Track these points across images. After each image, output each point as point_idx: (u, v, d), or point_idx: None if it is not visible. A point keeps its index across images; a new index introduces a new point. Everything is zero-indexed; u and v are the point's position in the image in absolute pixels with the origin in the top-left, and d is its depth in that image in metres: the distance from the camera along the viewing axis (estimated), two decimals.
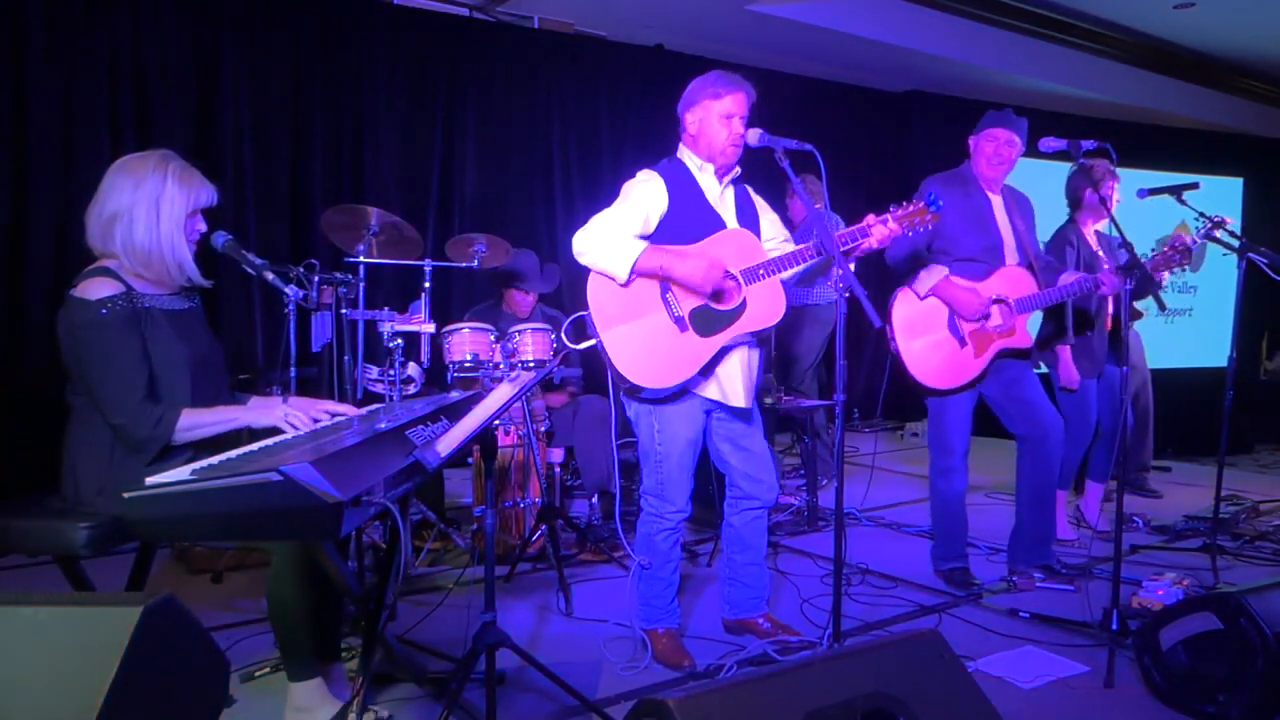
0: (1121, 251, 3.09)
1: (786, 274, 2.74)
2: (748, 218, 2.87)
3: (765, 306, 2.73)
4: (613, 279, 2.66)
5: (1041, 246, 3.65)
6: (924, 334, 3.39)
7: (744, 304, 2.71)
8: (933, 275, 3.36)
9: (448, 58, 5.85)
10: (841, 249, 2.62)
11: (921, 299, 3.39)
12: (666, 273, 2.64)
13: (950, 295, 3.35)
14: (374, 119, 5.61)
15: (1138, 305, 4.27)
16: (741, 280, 2.70)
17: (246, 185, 5.16)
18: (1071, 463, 4.13)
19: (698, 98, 2.79)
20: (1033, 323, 3.48)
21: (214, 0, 5.05)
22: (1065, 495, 4.20)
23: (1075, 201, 4.09)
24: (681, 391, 2.75)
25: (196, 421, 2.21)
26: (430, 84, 5.81)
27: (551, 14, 6.27)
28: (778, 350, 5.23)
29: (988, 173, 3.44)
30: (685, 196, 2.76)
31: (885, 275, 3.56)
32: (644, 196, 2.73)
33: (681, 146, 2.86)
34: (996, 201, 3.47)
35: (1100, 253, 4.03)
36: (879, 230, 2.70)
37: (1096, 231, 4.12)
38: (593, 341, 2.70)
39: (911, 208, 2.75)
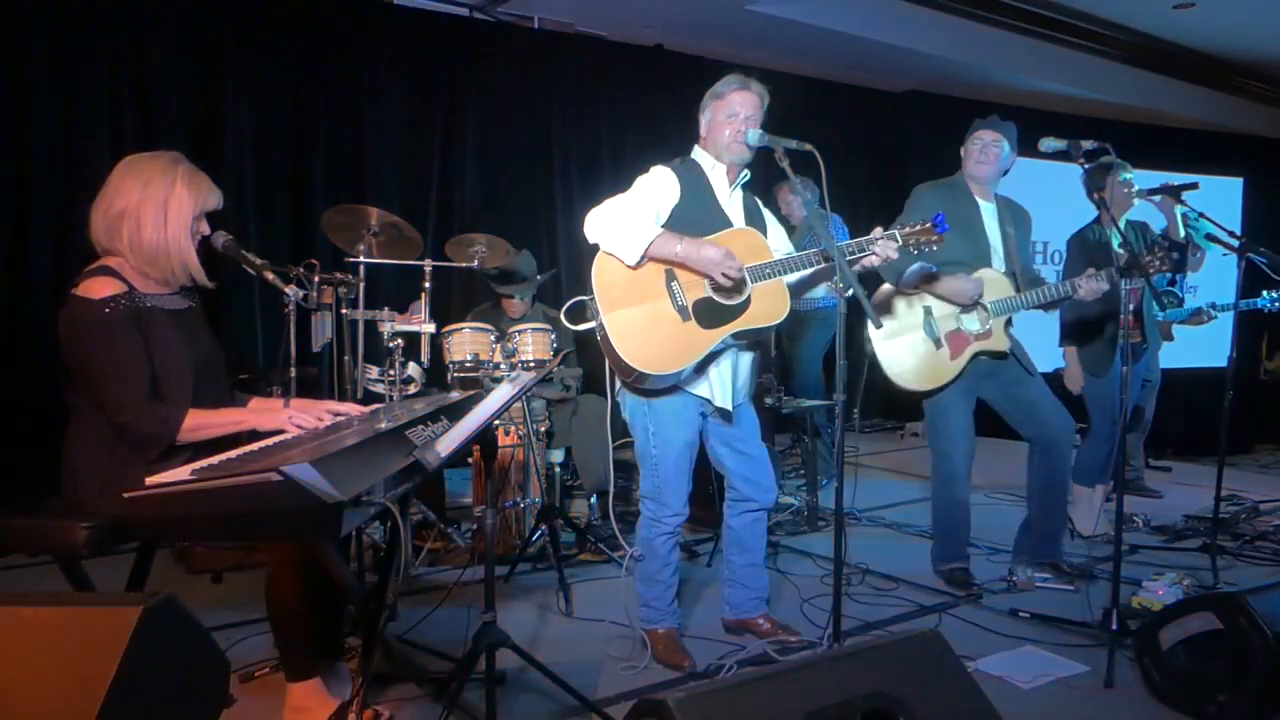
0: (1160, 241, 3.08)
1: (792, 276, 2.76)
2: (754, 223, 2.90)
3: (769, 305, 2.75)
4: (622, 260, 2.67)
5: (1034, 252, 3.67)
6: (899, 334, 3.42)
7: (748, 300, 2.73)
8: (918, 271, 3.35)
9: (448, 58, 5.85)
10: (845, 259, 2.63)
11: (911, 286, 3.37)
12: (683, 260, 2.65)
13: (942, 286, 3.33)
14: (374, 119, 5.61)
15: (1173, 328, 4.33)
16: (748, 277, 2.72)
17: (246, 185, 5.16)
18: (1098, 458, 4.12)
19: (707, 99, 2.84)
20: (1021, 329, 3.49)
21: (214, 1, 5.05)
22: (1100, 490, 4.17)
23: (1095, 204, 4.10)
24: (673, 387, 2.76)
25: (203, 422, 2.21)
26: (430, 84, 5.81)
27: (551, 14, 6.26)
28: (782, 352, 5.24)
29: (975, 173, 3.45)
30: (696, 192, 2.80)
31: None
32: (657, 188, 2.77)
33: (696, 147, 2.90)
34: (987, 209, 3.49)
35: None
36: (883, 245, 2.72)
37: (1129, 222, 4.12)
38: (593, 324, 2.71)
39: (918, 227, 2.76)
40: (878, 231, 2.76)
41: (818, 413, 4.80)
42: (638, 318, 2.68)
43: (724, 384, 2.81)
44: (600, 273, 2.70)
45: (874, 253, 2.72)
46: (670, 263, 2.68)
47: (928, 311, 3.41)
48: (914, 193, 3.50)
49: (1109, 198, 3.95)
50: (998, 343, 3.39)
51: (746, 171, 2.89)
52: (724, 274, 2.62)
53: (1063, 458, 3.49)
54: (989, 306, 3.37)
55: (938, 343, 3.39)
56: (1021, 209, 3.61)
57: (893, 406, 7.50)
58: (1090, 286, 3.24)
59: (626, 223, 2.65)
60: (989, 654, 2.89)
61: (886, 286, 3.45)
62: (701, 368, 2.76)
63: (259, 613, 3.06)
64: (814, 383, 5.37)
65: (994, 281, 3.39)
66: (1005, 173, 3.51)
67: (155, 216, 2.24)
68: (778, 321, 2.78)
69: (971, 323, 3.39)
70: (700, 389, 2.80)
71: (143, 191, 2.24)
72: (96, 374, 2.17)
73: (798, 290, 2.90)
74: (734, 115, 2.76)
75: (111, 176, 2.28)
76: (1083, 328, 4.14)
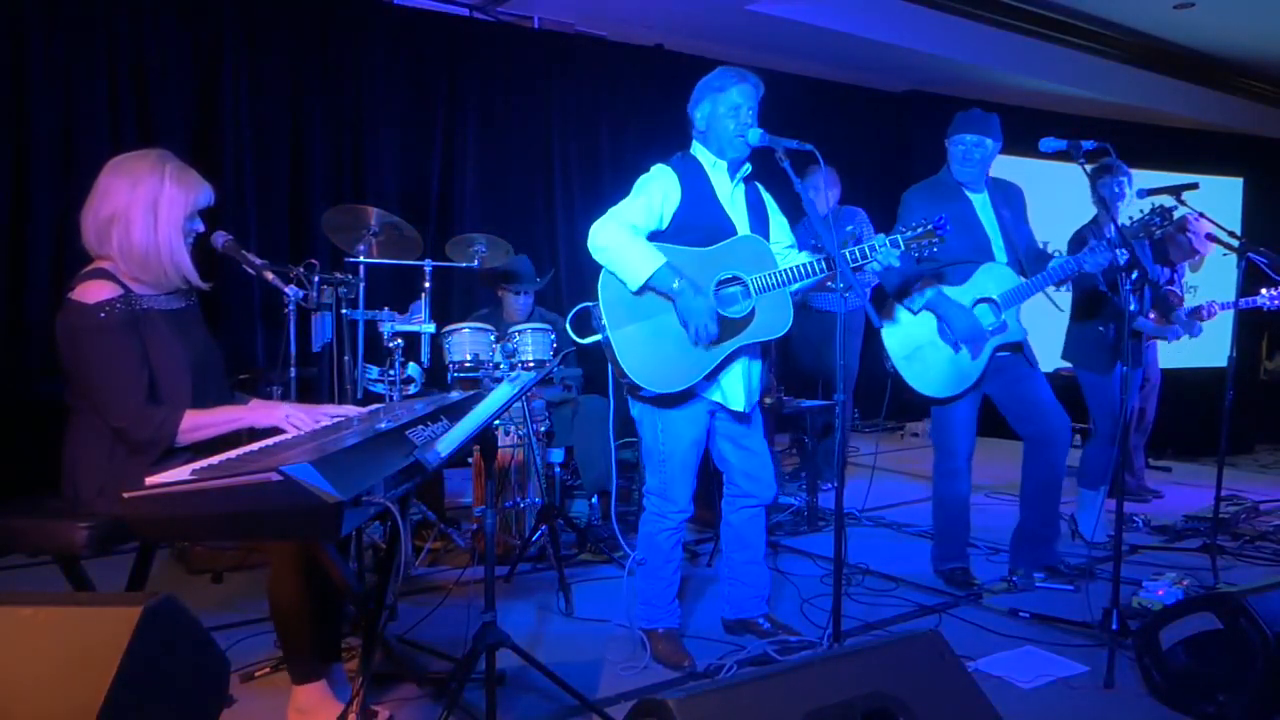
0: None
1: (795, 286, 2.75)
2: (758, 216, 2.88)
3: (773, 317, 2.75)
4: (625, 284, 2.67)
5: (1035, 236, 3.65)
6: (916, 347, 3.42)
7: (752, 313, 2.73)
8: (925, 293, 3.38)
9: (448, 58, 5.85)
10: (850, 266, 2.64)
11: (915, 313, 3.40)
12: (675, 298, 2.63)
13: (945, 312, 3.36)
14: (374, 119, 5.60)
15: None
16: (752, 289, 2.72)
17: (246, 185, 5.16)
18: (1102, 461, 4.11)
19: (704, 94, 2.82)
20: (1027, 318, 3.49)
21: (214, 0, 5.05)
22: (1103, 494, 4.17)
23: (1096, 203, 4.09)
24: (686, 394, 2.76)
25: (198, 423, 2.20)
26: (430, 84, 5.81)
27: (551, 14, 6.26)
28: (819, 363, 5.21)
29: (959, 176, 3.47)
30: (697, 192, 2.79)
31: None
32: (658, 191, 2.75)
33: (694, 143, 2.88)
34: (979, 199, 3.49)
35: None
36: (886, 252, 2.71)
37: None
38: (598, 336, 2.71)
39: (920, 230, 2.76)
40: (880, 238, 2.76)
41: (823, 413, 4.79)
42: (643, 333, 2.68)
43: (736, 388, 2.82)
44: (606, 288, 2.69)
45: (876, 260, 2.72)
46: (667, 297, 2.67)
47: (946, 326, 3.41)
48: (904, 198, 3.52)
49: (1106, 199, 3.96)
50: (1013, 333, 3.41)
51: (747, 165, 2.87)
52: (694, 334, 2.63)
53: (1058, 457, 3.50)
54: (999, 300, 3.37)
55: (956, 346, 3.39)
56: (1012, 186, 3.60)
57: (893, 407, 7.49)
58: (1095, 259, 3.25)
59: (630, 249, 2.62)
60: (989, 654, 2.88)
61: (895, 305, 3.45)
62: (712, 375, 2.75)
63: (259, 613, 3.07)
64: (851, 383, 5.33)
65: (999, 274, 3.40)
66: (990, 164, 3.51)
67: (145, 218, 2.21)
68: (781, 333, 2.78)
69: (985, 319, 3.39)
70: (713, 394, 2.81)
71: (131, 193, 2.21)
72: (94, 380, 2.16)
73: (801, 291, 2.89)
74: (737, 108, 2.75)
75: (99, 179, 2.25)
76: (1090, 328, 4.14)
